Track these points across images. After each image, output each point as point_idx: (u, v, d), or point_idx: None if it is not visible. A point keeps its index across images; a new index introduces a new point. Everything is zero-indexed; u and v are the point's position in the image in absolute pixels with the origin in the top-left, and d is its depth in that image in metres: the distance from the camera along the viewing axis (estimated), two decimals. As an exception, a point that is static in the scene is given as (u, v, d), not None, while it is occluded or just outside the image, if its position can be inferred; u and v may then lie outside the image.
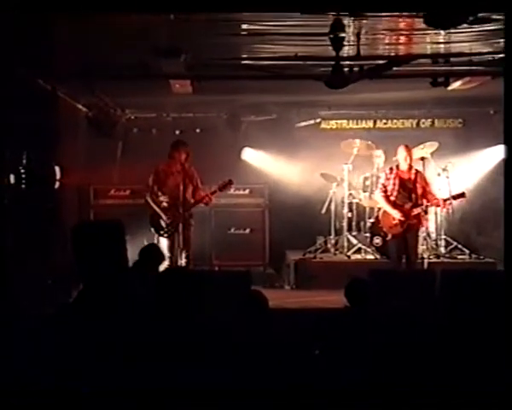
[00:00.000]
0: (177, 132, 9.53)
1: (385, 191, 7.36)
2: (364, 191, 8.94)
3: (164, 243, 7.34)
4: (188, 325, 2.68)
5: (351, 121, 9.98)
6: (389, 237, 7.38)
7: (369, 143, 9.09)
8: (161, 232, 7.34)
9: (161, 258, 6.01)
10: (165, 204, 7.36)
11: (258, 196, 9.32)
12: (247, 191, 9.30)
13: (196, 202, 7.40)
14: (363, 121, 9.96)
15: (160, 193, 7.39)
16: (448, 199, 7.27)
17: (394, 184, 7.30)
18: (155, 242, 7.64)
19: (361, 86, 6.53)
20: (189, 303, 2.76)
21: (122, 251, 2.65)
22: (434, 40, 5.89)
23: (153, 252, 6.02)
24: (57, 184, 7.70)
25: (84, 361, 2.38)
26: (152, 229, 7.43)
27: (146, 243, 8.07)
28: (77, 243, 2.64)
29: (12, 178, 6.53)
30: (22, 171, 6.70)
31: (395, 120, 9.96)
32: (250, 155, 9.87)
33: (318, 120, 9.90)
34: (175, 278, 2.86)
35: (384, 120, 9.97)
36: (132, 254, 2.75)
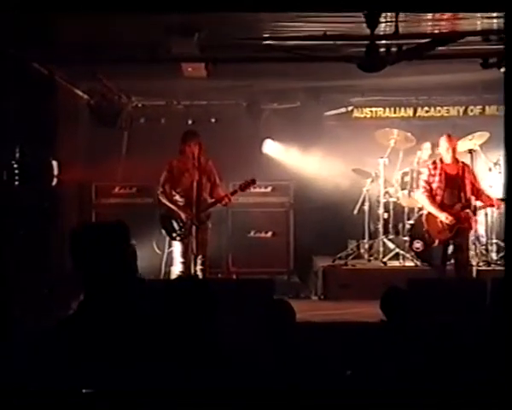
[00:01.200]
0: (190, 122, 9.56)
1: (429, 190, 7.22)
2: (403, 189, 8.89)
3: (176, 248, 7.36)
4: (202, 341, 2.68)
5: (387, 109, 9.92)
6: (436, 243, 7.26)
7: (409, 134, 9.03)
8: (174, 235, 7.34)
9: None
10: (179, 204, 7.38)
11: (282, 195, 9.32)
12: (268, 189, 9.31)
13: (214, 202, 7.40)
14: (402, 109, 9.90)
15: (173, 192, 7.41)
16: (503, 199, 7.09)
17: (440, 182, 7.15)
18: (167, 246, 7.69)
19: (399, 69, 6.50)
20: (204, 317, 2.76)
21: (128, 257, 2.66)
22: (486, 14, 5.80)
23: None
24: (55, 181, 7.76)
25: (85, 381, 2.40)
26: (163, 231, 7.46)
27: (156, 248, 8.22)
28: (76, 247, 2.64)
29: (4, 175, 6.60)
30: (15, 166, 6.77)
31: (439, 108, 9.88)
32: (272, 148, 9.86)
33: (350, 108, 9.86)
34: (187, 288, 2.86)
35: (426, 108, 9.89)
36: (140, 259, 2.75)
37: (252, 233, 9.19)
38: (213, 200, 7.41)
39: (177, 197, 7.40)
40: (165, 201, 7.44)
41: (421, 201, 7.54)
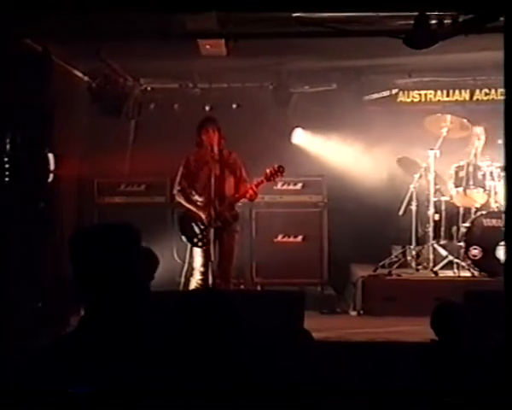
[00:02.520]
0: (207, 108, 9.58)
1: None
2: (457, 186, 8.81)
3: (197, 255, 7.34)
4: (218, 364, 2.68)
5: (439, 92, 9.85)
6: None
7: (464, 120, 8.96)
8: (195, 241, 7.30)
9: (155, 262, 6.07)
10: (199, 204, 7.37)
11: (314, 193, 9.31)
12: (298, 186, 9.30)
13: (237, 198, 7.39)
14: (457, 91, 9.82)
15: (192, 191, 7.41)
16: None
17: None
18: (187, 253, 7.66)
19: (454, 44, 6.45)
20: (221, 336, 2.76)
21: (136, 265, 2.66)
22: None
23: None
24: (51, 177, 7.81)
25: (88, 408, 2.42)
26: (183, 237, 7.43)
27: (176, 257, 8.23)
28: (77, 254, 2.65)
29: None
30: (6, 160, 6.82)
31: (500, 90, 9.79)
32: (303, 139, 9.85)
33: (395, 91, 9.81)
34: (202, 302, 2.86)
35: (485, 90, 9.80)
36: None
37: (279, 238, 9.19)
38: (235, 195, 7.38)
39: (196, 196, 7.40)
40: (182, 200, 7.45)
41: (479, 200, 7.49)
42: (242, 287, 8.89)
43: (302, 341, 3.94)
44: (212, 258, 7.15)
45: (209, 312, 2.80)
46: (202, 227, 7.27)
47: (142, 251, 2.69)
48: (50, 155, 7.80)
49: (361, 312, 8.34)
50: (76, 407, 2.41)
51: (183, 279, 8.04)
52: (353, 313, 8.40)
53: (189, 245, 7.45)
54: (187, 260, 7.80)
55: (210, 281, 7.19)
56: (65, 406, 2.41)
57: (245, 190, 7.33)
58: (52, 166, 7.81)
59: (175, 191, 7.52)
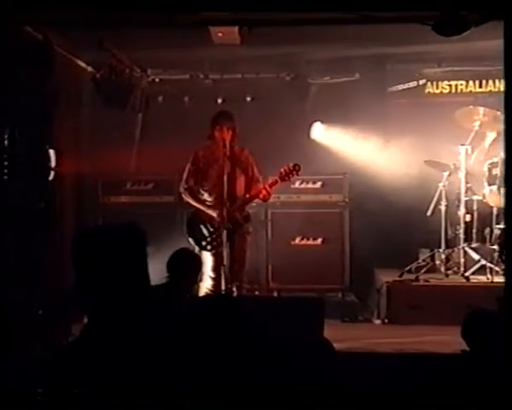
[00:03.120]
0: (220, 101, 9.59)
1: None
2: (491, 184, 8.76)
3: (207, 259, 7.32)
4: (231, 376, 2.68)
5: (471, 82, 9.80)
6: None
7: (499, 113, 8.90)
8: (204, 244, 7.29)
9: (198, 267, 6.09)
10: (208, 204, 7.36)
11: (335, 191, 9.29)
12: (318, 185, 9.28)
13: (250, 199, 7.37)
14: (490, 81, 9.76)
15: (200, 189, 7.40)
16: None
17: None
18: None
19: (487, 31, 6.38)
20: (234, 345, 2.75)
21: (143, 268, 2.66)
22: None
23: (184, 261, 6.12)
24: (52, 175, 7.83)
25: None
26: (191, 240, 7.42)
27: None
28: (80, 257, 2.65)
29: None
30: (4, 157, 6.84)
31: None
32: (322, 134, 9.83)
33: (423, 82, 9.76)
34: (214, 309, 2.85)
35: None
36: (159, 271, 2.76)
37: (296, 240, 9.19)
38: (248, 196, 7.37)
39: (205, 195, 7.39)
40: (190, 199, 7.44)
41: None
42: (257, 293, 8.89)
43: (322, 351, 3.91)
44: (225, 262, 7.13)
45: (221, 319, 2.79)
46: (212, 229, 7.26)
47: (142, 248, 2.68)
48: (51, 152, 7.82)
49: (385, 320, 8.31)
50: (76, 407, 2.45)
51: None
52: (377, 322, 8.38)
53: (196, 248, 7.45)
54: None
55: (222, 286, 7.18)
56: (65, 406, 2.44)
57: (257, 191, 7.31)
58: (53, 163, 7.83)
59: (181, 190, 7.52)
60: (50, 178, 7.82)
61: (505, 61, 3.32)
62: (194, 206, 7.43)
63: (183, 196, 7.54)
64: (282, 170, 7.30)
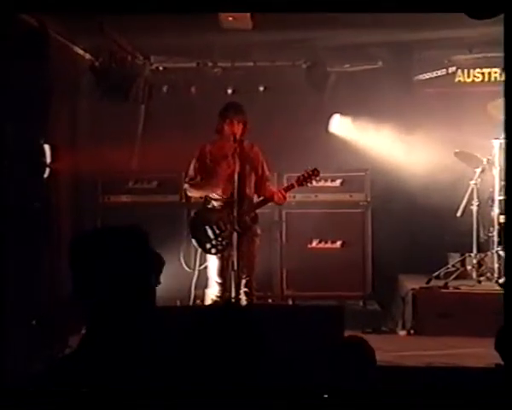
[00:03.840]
0: (230, 91, 9.60)
1: None
2: (527, 182, 8.74)
3: (212, 263, 7.32)
4: (243, 393, 2.67)
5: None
6: None
7: (535, 104, 8.88)
8: (208, 247, 7.29)
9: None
10: (214, 204, 7.36)
11: (356, 190, 9.29)
12: (337, 182, 9.27)
13: (263, 201, 7.37)
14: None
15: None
16: None
17: None
18: (199, 260, 7.66)
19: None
20: (246, 358, 2.74)
21: (146, 273, 2.67)
22: None
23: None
24: (47, 172, 7.85)
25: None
26: (194, 241, 7.44)
27: (184, 265, 8.23)
28: (78, 261, 2.66)
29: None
30: (-5, 152, 6.86)
31: None
32: (342, 126, 9.83)
33: (452, 70, 9.73)
34: (224, 319, 2.84)
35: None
36: (163, 277, 2.77)
37: (313, 243, 9.19)
38: (261, 198, 7.37)
39: (212, 195, 7.39)
40: (194, 192, 7.48)
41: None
42: (270, 301, 8.90)
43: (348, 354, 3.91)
44: (235, 266, 7.11)
45: (230, 331, 2.78)
46: (217, 231, 7.25)
47: (144, 252, 2.68)
48: (46, 147, 7.83)
49: (411, 331, 8.28)
50: (76, 407, 2.48)
51: (193, 291, 8.05)
52: (402, 333, 8.36)
53: (199, 251, 7.48)
54: (197, 268, 7.83)
55: (230, 293, 7.17)
56: (65, 406, 2.47)
57: (271, 193, 7.33)
58: (48, 160, 7.84)
59: (185, 185, 7.52)
60: (45, 175, 7.82)
61: (506, 59, 3.36)
62: (201, 195, 7.45)
63: (188, 191, 7.54)
64: (301, 175, 7.35)
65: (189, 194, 7.62)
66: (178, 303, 8.30)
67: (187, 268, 8.20)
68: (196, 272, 7.98)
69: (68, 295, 2.71)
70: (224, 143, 7.29)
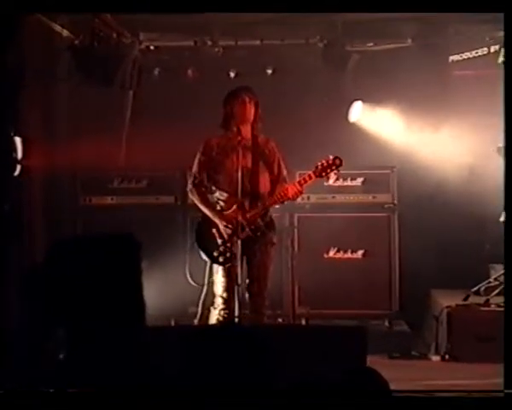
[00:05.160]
0: (232, 75, 9.60)
1: None
2: None
3: (218, 276, 7.28)
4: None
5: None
6: None
7: None
8: (216, 255, 7.25)
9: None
10: (222, 204, 7.32)
11: (380, 190, 9.29)
12: (358, 181, 9.28)
13: (278, 200, 7.29)
14: None
15: (213, 186, 7.38)
16: None
17: None
18: (206, 272, 7.60)
19: None
20: (255, 386, 2.74)
21: (137, 289, 2.68)
22: None
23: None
24: (18, 170, 7.85)
25: None
26: (200, 251, 7.38)
27: (189, 279, 8.20)
28: (54, 273, 2.66)
29: None
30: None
31: None
32: (365, 115, 9.84)
33: (494, 48, 9.70)
34: (230, 342, 2.84)
35: None
36: (155, 292, 2.77)
37: (330, 253, 9.20)
38: (276, 197, 7.28)
39: (217, 193, 7.37)
40: (196, 199, 7.40)
41: None
42: (280, 321, 8.91)
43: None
44: (240, 280, 7.09)
45: (235, 355, 2.78)
46: (226, 237, 7.22)
47: (133, 264, 2.69)
48: (17, 140, 7.84)
49: (446, 356, 8.31)
50: (75, 407, 2.54)
51: (200, 309, 8.00)
52: (435, 358, 8.38)
53: (208, 262, 7.42)
54: (206, 283, 7.75)
55: (236, 312, 7.16)
56: (64, 406, 2.54)
57: (285, 188, 7.22)
58: (20, 155, 7.84)
59: (189, 186, 7.45)
60: (16, 173, 7.83)
61: (506, 59, 3.44)
62: (200, 208, 7.39)
63: (190, 193, 7.47)
64: (319, 163, 7.25)
65: (191, 197, 7.50)
66: (173, 323, 8.31)
67: (193, 283, 8.11)
68: (205, 288, 7.87)
69: (42, 308, 2.71)
70: (231, 135, 7.27)
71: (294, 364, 4.77)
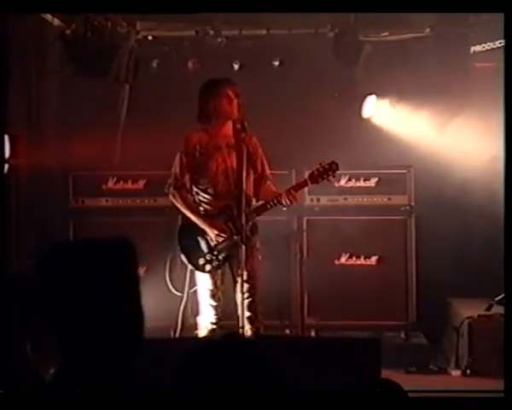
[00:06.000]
0: (236, 67, 9.60)
1: None
2: None
3: (204, 283, 7.32)
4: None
5: None
6: None
7: None
8: (202, 263, 7.30)
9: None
10: (207, 207, 7.34)
11: (396, 191, 9.29)
12: (372, 182, 9.28)
13: (265, 205, 7.27)
14: None
15: (196, 188, 7.39)
16: None
17: None
18: (188, 279, 7.63)
19: None
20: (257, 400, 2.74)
21: (134, 297, 2.69)
22: None
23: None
24: (6, 169, 7.86)
25: None
26: (183, 256, 7.42)
27: (170, 286, 8.21)
28: (45, 283, 2.67)
29: None
30: None
31: None
32: (379, 111, 9.83)
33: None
34: (228, 355, 2.84)
35: None
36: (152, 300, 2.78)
37: (342, 259, 9.21)
38: (263, 202, 7.29)
39: (200, 196, 7.37)
40: (178, 204, 7.39)
41: None
42: (288, 332, 8.93)
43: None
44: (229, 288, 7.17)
45: (234, 371, 2.77)
46: (213, 243, 7.24)
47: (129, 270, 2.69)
48: (6, 138, 7.85)
49: (467, 371, 8.33)
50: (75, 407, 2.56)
51: (180, 317, 8.00)
52: (456, 373, 8.41)
53: (188, 269, 7.44)
54: (186, 291, 7.78)
55: (240, 323, 7.17)
56: (64, 405, 2.56)
57: (276, 194, 7.23)
58: (7, 153, 7.86)
59: (170, 189, 7.42)
60: (4, 172, 7.85)
61: (506, 59, 3.48)
62: (182, 213, 7.38)
63: (171, 197, 7.44)
64: (315, 169, 7.27)
65: (174, 202, 7.48)
66: (172, 334, 8.31)
67: (174, 290, 8.15)
68: (185, 296, 7.91)
69: (31, 318, 2.72)
70: (216, 130, 7.30)
71: (301, 380, 4.78)
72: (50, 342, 2.72)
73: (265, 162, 7.46)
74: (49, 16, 9.16)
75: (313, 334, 9.02)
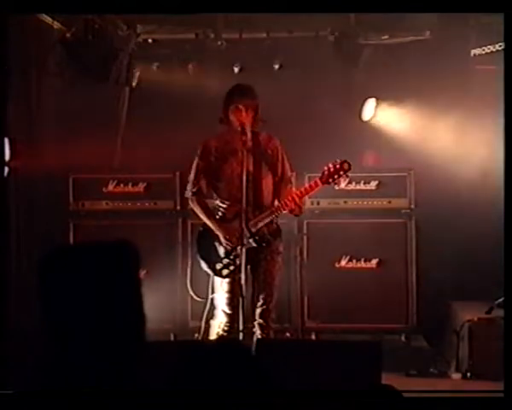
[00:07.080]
0: (236, 70, 9.59)
1: None
2: None
3: (220, 289, 7.29)
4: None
5: None
6: None
7: None
8: (219, 268, 7.24)
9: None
10: (224, 212, 7.30)
11: (396, 194, 9.28)
12: (372, 185, 9.27)
13: (279, 208, 7.22)
14: None
15: (214, 193, 7.37)
16: None
17: None
18: (210, 285, 7.58)
19: None
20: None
21: (136, 301, 2.69)
22: None
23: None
24: (6, 172, 7.86)
25: None
26: (201, 261, 7.38)
27: (191, 291, 8.17)
28: (47, 287, 2.66)
29: None
30: None
31: None
32: (379, 114, 9.84)
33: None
34: (232, 359, 2.84)
35: None
36: (154, 304, 2.77)
37: (342, 262, 9.20)
38: (275, 207, 7.24)
39: (218, 201, 7.36)
40: (198, 210, 7.37)
41: None
42: (288, 335, 8.91)
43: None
44: (244, 292, 7.08)
45: (237, 374, 2.78)
46: (230, 248, 7.21)
47: (130, 274, 2.69)
48: (6, 141, 7.85)
49: (468, 374, 8.30)
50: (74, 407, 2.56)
51: (203, 324, 7.97)
52: (456, 376, 8.38)
53: (211, 275, 7.39)
54: (209, 296, 7.72)
55: (240, 326, 7.15)
56: (64, 405, 2.56)
57: (290, 196, 7.16)
58: (7, 156, 7.85)
59: (188, 194, 7.43)
60: (4, 175, 7.84)
61: (506, 59, 3.50)
62: (202, 220, 7.37)
63: (191, 202, 7.46)
64: (326, 169, 7.22)
65: (192, 207, 7.47)
66: (172, 337, 8.31)
67: (196, 297, 8.07)
68: (209, 301, 7.82)
69: (32, 331, 2.73)
70: (231, 136, 7.27)
71: (303, 381, 4.77)
72: (52, 344, 2.71)
73: (287, 165, 7.43)
74: (49, 19, 9.17)
75: (313, 337, 9.01)
